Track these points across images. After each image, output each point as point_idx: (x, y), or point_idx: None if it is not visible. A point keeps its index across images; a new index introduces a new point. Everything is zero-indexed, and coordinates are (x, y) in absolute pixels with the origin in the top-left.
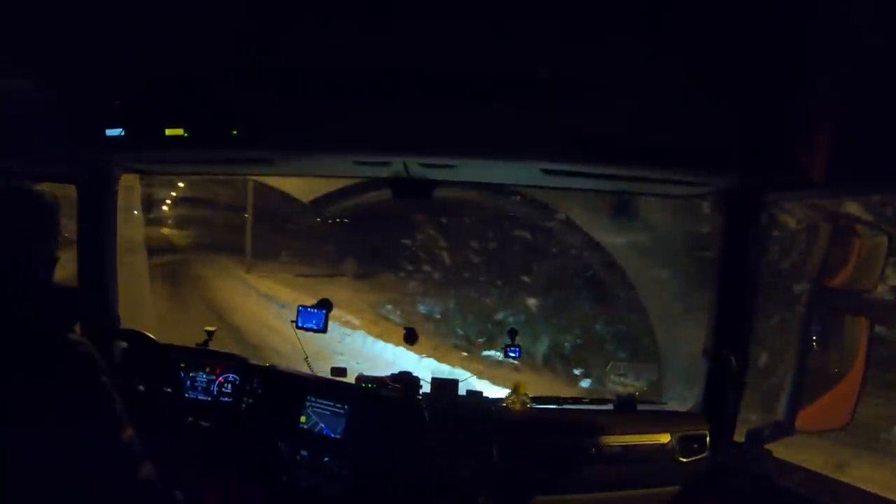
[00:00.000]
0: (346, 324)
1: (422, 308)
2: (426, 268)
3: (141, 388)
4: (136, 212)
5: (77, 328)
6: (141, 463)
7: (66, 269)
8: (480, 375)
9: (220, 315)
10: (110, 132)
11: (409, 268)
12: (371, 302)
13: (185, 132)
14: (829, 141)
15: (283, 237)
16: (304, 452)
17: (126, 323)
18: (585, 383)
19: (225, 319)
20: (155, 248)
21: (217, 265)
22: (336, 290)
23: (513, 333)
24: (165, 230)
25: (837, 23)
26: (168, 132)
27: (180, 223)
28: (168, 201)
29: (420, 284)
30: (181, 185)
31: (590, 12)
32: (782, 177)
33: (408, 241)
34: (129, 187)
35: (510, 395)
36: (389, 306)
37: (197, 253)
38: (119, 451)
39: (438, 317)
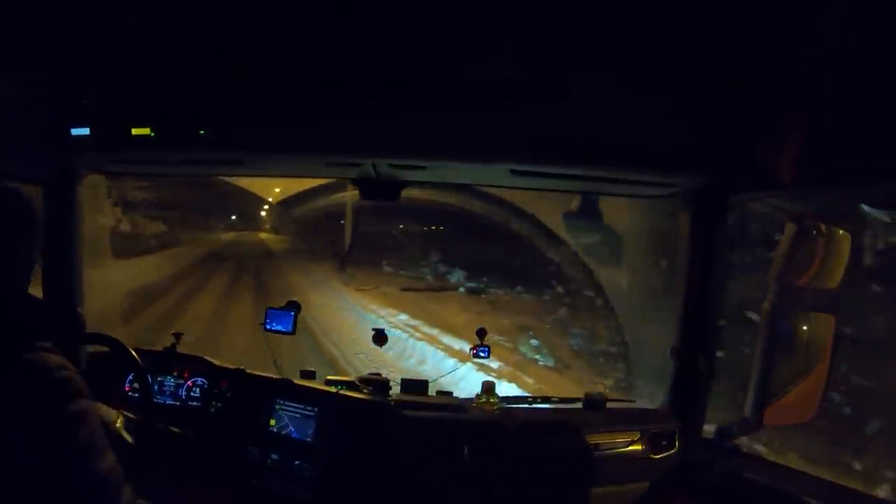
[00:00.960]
0: (481, 368)
1: (575, 343)
2: (587, 292)
3: (109, 392)
4: (103, 213)
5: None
6: (121, 489)
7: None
8: None
9: (315, 339)
10: (76, 132)
11: (559, 289)
12: (501, 330)
13: (151, 132)
14: (796, 141)
15: (385, 245)
16: (274, 456)
17: (93, 325)
18: None
19: (321, 345)
20: (245, 255)
21: (312, 274)
22: (449, 311)
23: (481, 333)
24: (263, 235)
25: (805, 22)
26: (135, 132)
27: (277, 228)
28: (266, 207)
29: (570, 310)
30: (277, 189)
31: (557, 14)
32: (750, 177)
33: (553, 256)
34: (95, 187)
35: (480, 395)
36: (534, 341)
37: (291, 260)
38: (96, 481)
39: (616, 360)
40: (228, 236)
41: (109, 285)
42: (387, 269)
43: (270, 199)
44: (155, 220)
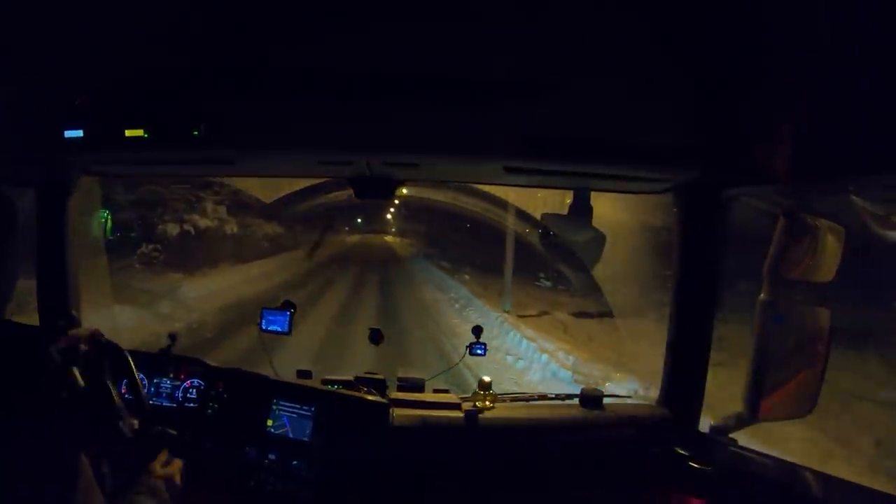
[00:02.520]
0: None
1: None
2: None
3: (104, 393)
4: (95, 214)
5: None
6: None
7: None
8: None
9: None
10: (70, 133)
11: None
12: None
13: (145, 133)
14: (790, 136)
15: (537, 252)
16: (272, 456)
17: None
18: None
19: None
20: (368, 260)
21: (451, 290)
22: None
23: (478, 331)
24: (388, 238)
25: (797, 17)
26: (128, 133)
27: (404, 231)
28: (392, 210)
29: None
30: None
31: (549, 12)
32: (743, 172)
33: None
34: (88, 190)
35: (477, 392)
36: None
37: (423, 271)
38: None
39: None
40: (353, 239)
41: (198, 298)
42: (544, 283)
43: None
44: (270, 220)
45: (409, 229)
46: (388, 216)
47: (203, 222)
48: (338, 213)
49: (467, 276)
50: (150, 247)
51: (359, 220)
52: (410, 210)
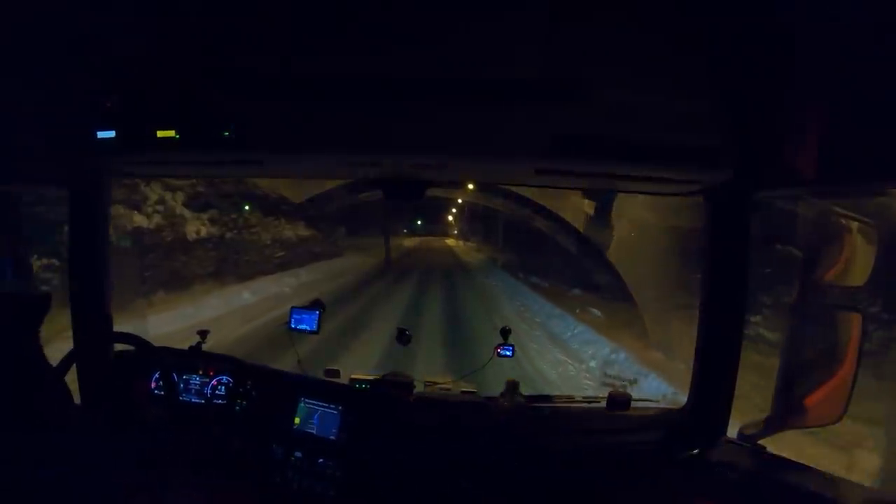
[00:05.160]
0: None
1: None
2: None
3: (135, 390)
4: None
5: None
6: None
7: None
8: None
9: None
10: (102, 135)
11: None
12: None
13: (176, 134)
14: (820, 138)
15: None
16: (298, 454)
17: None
18: None
19: None
20: (426, 268)
21: (616, 362)
22: None
23: (505, 333)
24: (449, 241)
25: (829, 16)
26: (160, 134)
27: (467, 234)
28: (454, 210)
29: None
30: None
31: (578, 13)
32: (773, 174)
33: None
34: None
35: (504, 394)
36: None
37: (511, 291)
38: None
39: None
40: (411, 243)
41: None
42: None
43: None
44: (294, 221)
45: (473, 231)
46: (450, 217)
47: (192, 226)
48: (394, 214)
49: (598, 312)
50: (42, 262)
51: (419, 223)
52: (474, 211)
